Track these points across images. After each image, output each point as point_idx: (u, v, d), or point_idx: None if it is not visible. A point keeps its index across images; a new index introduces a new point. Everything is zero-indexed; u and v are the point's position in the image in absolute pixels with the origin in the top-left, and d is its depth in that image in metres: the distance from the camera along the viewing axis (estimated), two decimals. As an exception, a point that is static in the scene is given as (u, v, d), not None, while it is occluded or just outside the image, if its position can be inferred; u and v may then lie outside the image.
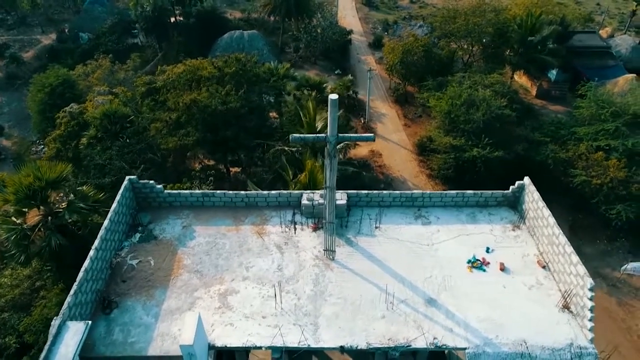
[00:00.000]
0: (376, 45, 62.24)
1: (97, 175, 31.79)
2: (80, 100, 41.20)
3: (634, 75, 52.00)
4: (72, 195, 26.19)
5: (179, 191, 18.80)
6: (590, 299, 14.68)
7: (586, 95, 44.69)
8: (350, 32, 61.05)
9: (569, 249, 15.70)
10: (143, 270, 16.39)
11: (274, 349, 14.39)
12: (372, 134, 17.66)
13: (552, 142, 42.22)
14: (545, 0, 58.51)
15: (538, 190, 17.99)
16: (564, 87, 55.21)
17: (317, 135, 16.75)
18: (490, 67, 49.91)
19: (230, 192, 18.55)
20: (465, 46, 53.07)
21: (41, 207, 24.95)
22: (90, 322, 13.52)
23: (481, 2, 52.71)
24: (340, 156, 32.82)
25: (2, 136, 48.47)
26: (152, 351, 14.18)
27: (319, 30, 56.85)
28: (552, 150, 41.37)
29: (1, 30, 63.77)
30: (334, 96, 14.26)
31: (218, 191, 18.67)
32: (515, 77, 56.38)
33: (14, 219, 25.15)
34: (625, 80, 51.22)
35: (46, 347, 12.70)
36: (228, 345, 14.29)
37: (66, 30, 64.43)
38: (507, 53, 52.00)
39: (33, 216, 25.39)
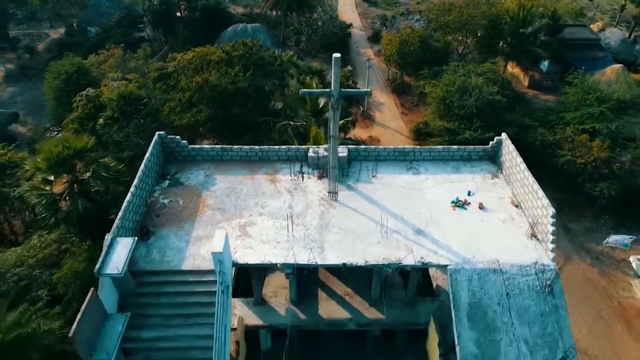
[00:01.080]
0: (375, 39, 65.64)
1: (115, 151, 34.84)
2: (94, 86, 44.36)
3: (621, 65, 55.37)
4: (95, 165, 29.33)
5: (201, 146, 22.04)
6: (552, 225, 17.89)
7: (574, 82, 48.04)
8: (350, 25, 64.50)
9: (536, 186, 18.93)
10: (173, 208, 19.59)
11: (287, 265, 17.55)
12: (369, 89, 20.84)
13: (541, 126, 45.50)
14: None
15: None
16: (555, 78, 58.43)
17: (323, 90, 19.95)
18: (484, 58, 53.24)
19: (246, 146, 21.82)
20: (460, 38, 56.43)
21: (68, 175, 28.03)
22: (136, 238, 16.69)
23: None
24: (341, 134, 36.00)
25: (17, 123, 51.60)
26: (185, 267, 17.36)
27: (319, 23, 60.26)
28: (540, 133, 44.59)
29: (11, 25, 67.00)
30: (337, 55, 17.53)
31: (235, 146, 21.91)
32: (509, 68, 59.60)
33: (42, 186, 28.32)
34: (612, 70, 54.64)
35: (101, 256, 15.86)
36: (248, 262, 17.47)
37: (74, 25, 67.79)
38: (500, 45, 55.28)
39: (59, 185, 28.53)
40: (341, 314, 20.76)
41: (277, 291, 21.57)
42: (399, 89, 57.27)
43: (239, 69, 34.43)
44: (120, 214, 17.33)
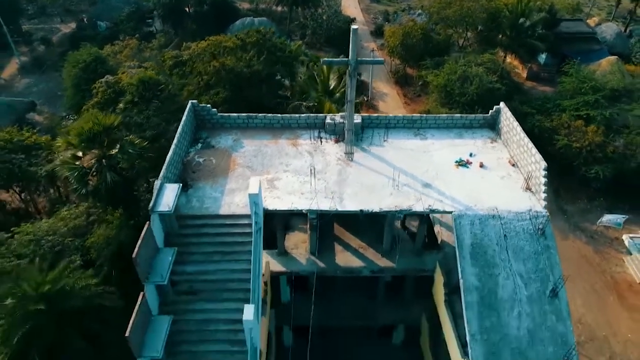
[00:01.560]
0: (377, 33, 68.58)
1: (137, 131, 37.51)
2: (112, 74, 47.04)
3: (616, 57, 58.37)
4: (121, 141, 32.03)
5: (229, 114, 24.77)
6: (545, 177, 20.67)
7: (570, 72, 51.02)
8: (354, 19, 67.41)
9: (531, 145, 21.72)
10: (207, 166, 22.32)
11: (311, 211, 20.27)
12: (382, 59, 23.61)
13: (538, 113, 48.44)
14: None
15: None
16: (552, 70, 61.36)
17: (342, 59, 22.69)
18: (484, 49, 56.15)
19: (269, 114, 24.58)
20: (460, 31, 59.38)
21: (97, 151, 30.72)
22: (181, 184, 19.42)
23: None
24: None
25: (35, 112, 54.26)
26: (221, 212, 20.09)
27: (324, 17, 63.16)
28: (538, 120, 47.51)
29: (23, 20, 69.72)
30: (355, 26, 20.31)
31: (259, 114, 24.69)
32: (508, 60, 62.52)
33: (72, 161, 31.11)
34: (607, 61, 57.65)
35: (153, 197, 18.56)
36: (277, 208, 20.21)
37: (85, 19, 70.61)
38: (499, 37, 58.16)
39: (86, 161, 31.28)
40: (356, 263, 23.48)
41: (297, 245, 24.28)
42: (402, 80, 60.12)
43: (253, 54, 37.24)
44: (164, 167, 20.04)
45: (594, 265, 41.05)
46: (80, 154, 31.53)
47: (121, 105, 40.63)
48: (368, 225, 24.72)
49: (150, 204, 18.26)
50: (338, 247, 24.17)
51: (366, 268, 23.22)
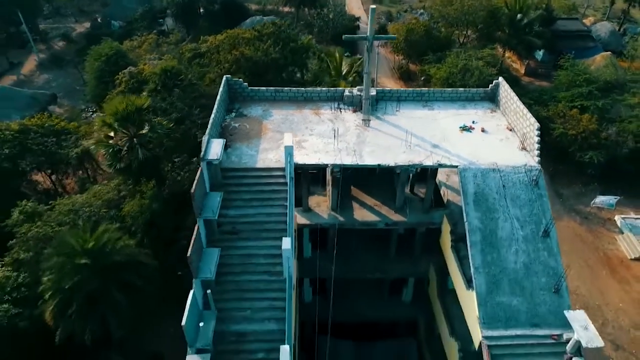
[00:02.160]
0: (381, 32, 72.37)
1: (163, 115, 41.13)
2: (132, 66, 50.69)
3: (610, 52, 62.36)
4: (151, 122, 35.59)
5: (258, 88, 28.39)
6: (538, 136, 24.28)
7: (565, 65, 54.96)
8: (359, 18, 71.43)
9: (526, 110, 25.36)
10: (242, 130, 25.92)
11: (335, 165, 23.82)
12: (394, 35, 27.26)
13: (535, 104, 52.23)
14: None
15: None
16: (549, 66, 65.33)
17: (361, 35, 26.38)
18: (483, 45, 60.08)
19: (294, 88, 28.22)
20: (461, 28, 63.35)
21: (129, 130, 34.29)
22: (225, 140, 22.98)
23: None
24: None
25: (55, 104, 57.85)
26: (258, 165, 23.64)
27: (330, 16, 67.16)
28: (535, 110, 51.14)
29: (39, 19, 73.57)
30: (373, 6, 24.05)
31: (285, 88, 28.33)
32: (507, 57, 66.46)
33: (106, 140, 34.77)
34: (602, 57, 61.66)
35: (203, 148, 22.10)
36: (306, 163, 23.77)
37: (99, 19, 74.50)
38: (498, 34, 62.03)
39: (118, 139, 34.88)
40: (372, 217, 26.98)
41: (319, 204, 27.79)
42: (405, 75, 63.90)
43: (270, 44, 40.99)
44: (208, 127, 23.61)
45: (587, 243, 44.61)
46: (112, 134, 35.25)
47: (145, 93, 44.26)
48: (381, 186, 28.27)
49: (201, 154, 21.79)
50: (355, 205, 27.69)
51: (381, 221, 26.71)
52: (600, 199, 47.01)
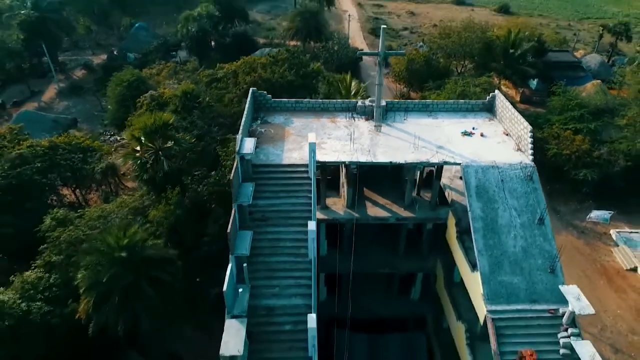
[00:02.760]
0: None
1: (185, 132, 44.68)
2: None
3: (600, 81, 66.84)
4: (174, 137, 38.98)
5: (280, 99, 31.97)
6: (531, 138, 27.67)
7: (557, 91, 59.19)
8: (361, 50, 76.11)
9: (520, 117, 28.87)
10: (268, 134, 29.32)
11: (352, 163, 27.08)
12: (403, 51, 30.97)
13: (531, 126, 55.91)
14: (524, 22, 74.44)
15: None
16: (543, 94, 69.62)
17: (373, 51, 30.09)
18: (480, 74, 64.43)
19: (312, 100, 31.78)
20: (458, 58, 67.93)
21: (155, 143, 37.70)
22: (256, 138, 26.31)
23: (470, 21, 68.13)
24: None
25: (76, 128, 61.53)
26: (284, 162, 26.91)
27: (335, 48, 71.86)
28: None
29: (58, 52, 78.23)
30: (384, 26, 27.83)
31: (304, 100, 31.92)
32: (503, 87, 70.86)
33: (133, 153, 38.16)
34: (592, 85, 66.12)
35: (237, 144, 25.40)
36: (327, 161, 27.03)
37: (115, 52, 79.22)
38: (494, 64, 66.40)
39: (143, 152, 38.25)
40: (384, 214, 30.03)
41: (335, 203, 30.89)
42: (407, 102, 67.79)
43: (285, 68, 44.99)
44: (240, 129, 26.99)
45: (585, 255, 47.47)
46: (138, 148, 38.68)
47: (166, 114, 47.93)
48: (391, 187, 31.48)
49: (237, 149, 25.08)
50: (368, 203, 30.77)
51: (392, 217, 29.76)
52: (595, 214, 50.02)
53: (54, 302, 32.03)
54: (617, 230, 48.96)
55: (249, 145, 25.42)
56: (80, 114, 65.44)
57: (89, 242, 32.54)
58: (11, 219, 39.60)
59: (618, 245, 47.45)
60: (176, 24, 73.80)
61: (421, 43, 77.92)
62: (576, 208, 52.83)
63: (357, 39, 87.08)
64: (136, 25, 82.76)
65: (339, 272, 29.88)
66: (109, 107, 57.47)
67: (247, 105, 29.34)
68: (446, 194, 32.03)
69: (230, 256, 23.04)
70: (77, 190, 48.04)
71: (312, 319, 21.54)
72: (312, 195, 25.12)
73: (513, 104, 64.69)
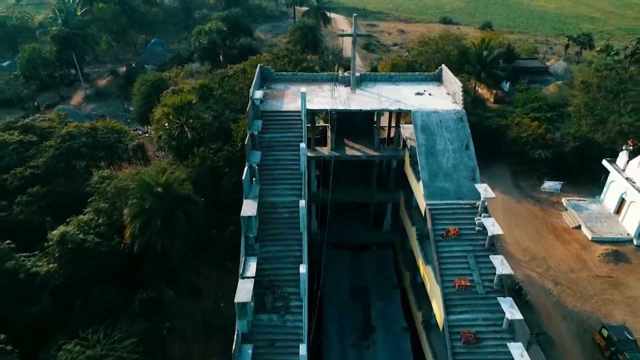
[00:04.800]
0: (374, 71, 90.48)
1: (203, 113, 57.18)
2: (173, 89, 67.55)
3: (561, 81, 79.91)
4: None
5: (280, 72, 44.82)
6: (462, 93, 40.22)
7: (521, 88, 72.29)
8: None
9: (456, 79, 41.52)
10: (271, 94, 42.26)
11: (332, 110, 39.67)
12: (372, 35, 44.01)
13: (497, 116, 68.87)
14: (496, 34, 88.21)
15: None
16: (513, 95, 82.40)
17: (349, 33, 42.96)
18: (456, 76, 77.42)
19: (304, 72, 44.60)
20: (437, 63, 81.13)
21: (181, 119, 50.42)
22: (263, 92, 38.99)
23: (446, 32, 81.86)
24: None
25: (104, 123, 74.35)
26: (283, 109, 39.55)
27: (330, 58, 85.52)
28: (496, 120, 67.82)
29: (83, 64, 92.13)
30: (355, 14, 40.89)
31: (298, 72, 44.74)
32: (478, 89, 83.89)
33: (163, 127, 50.77)
34: (554, 85, 79.21)
35: (251, 90, 38.03)
36: (314, 109, 39.61)
37: (133, 64, 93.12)
38: (469, 68, 79.35)
39: (171, 126, 50.95)
40: (358, 153, 42.45)
41: (322, 149, 43.38)
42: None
43: (285, 62, 58.17)
44: (251, 88, 39.65)
45: (539, 218, 59.37)
46: (166, 124, 51.44)
47: (189, 95, 60.46)
48: (364, 137, 43.98)
49: (250, 94, 37.74)
50: (347, 148, 43.35)
51: (364, 155, 42.24)
52: (548, 184, 62.28)
53: (102, 236, 43.52)
54: (568, 198, 60.82)
55: (258, 94, 38.19)
56: (106, 114, 78.36)
57: (135, 181, 44.40)
58: (64, 181, 51.81)
59: (567, 210, 59.11)
60: (189, 38, 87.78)
61: (407, 53, 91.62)
62: (535, 183, 64.90)
63: (349, 50, 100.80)
64: (152, 41, 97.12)
65: (326, 202, 41.90)
66: (135, 102, 70.17)
67: (256, 76, 42.22)
68: (407, 143, 44.44)
69: (246, 163, 35.21)
70: (112, 166, 60.41)
71: (302, 205, 33.55)
72: (303, 131, 37.57)
73: (483, 100, 78.11)
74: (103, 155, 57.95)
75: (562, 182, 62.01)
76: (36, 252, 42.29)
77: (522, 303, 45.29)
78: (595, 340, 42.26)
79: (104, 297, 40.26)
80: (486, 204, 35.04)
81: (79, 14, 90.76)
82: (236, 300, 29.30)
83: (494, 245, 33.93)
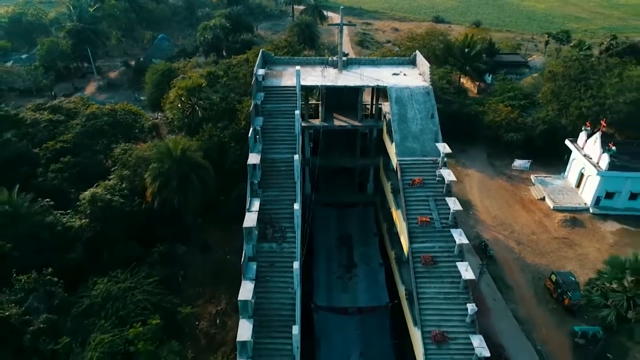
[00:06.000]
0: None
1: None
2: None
3: (538, 73, 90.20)
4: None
5: (279, 56, 54.94)
6: (429, 73, 50.32)
7: (498, 78, 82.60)
8: (347, 54, 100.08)
9: (426, 62, 51.62)
10: (272, 74, 52.44)
11: (322, 85, 49.79)
12: (355, 24, 54.38)
13: (475, 104, 79.11)
14: (482, 31, 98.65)
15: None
16: (494, 87, 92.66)
17: (336, 23, 53.16)
18: (440, 66, 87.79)
19: (299, 57, 54.71)
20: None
21: (192, 99, 60.63)
22: (265, 71, 49.09)
23: (432, 28, 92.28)
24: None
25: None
26: (281, 85, 49.68)
27: (326, 52, 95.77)
28: (474, 107, 78.07)
29: (95, 58, 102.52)
30: (342, 7, 51.05)
31: (295, 57, 54.89)
32: (463, 81, 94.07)
33: (176, 106, 60.88)
34: (531, 77, 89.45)
35: (254, 70, 48.11)
36: (307, 84, 49.72)
37: (141, 59, 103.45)
38: (453, 61, 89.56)
39: (183, 106, 61.12)
40: (344, 124, 52.57)
41: (315, 121, 53.46)
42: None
43: (284, 52, 68.40)
44: (255, 67, 49.72)
45: (509, 192, 69.35)
46: (179, 105, 61.58)
47: (199, 79, 70.60)
48: (350, 111, 54.10)
49: (254, 71, 47.83)
50: (335, 120, 53.45)
51: (349, 125, 52.40)
52: (518, 163, 72.33)
53: (125, 198, 53.24)
54: (535, 175, 70.76)
55: (261, 71, 48.44)
56: (118, 102, 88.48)
57: (154, 150, 54.25)
58: (89, 154, 61.81)
59: (534, 185, 69.01)
60: (194, 34, 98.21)
61: (397, 48, 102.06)
62: (508, 162, 74.92)
63: (346, 46, 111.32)
64: (159, 36, 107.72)
65: (316, 167, 51.89)
66: (147, 89, 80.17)
67: (258, 59, 52.35)
68: (386, 117, 54.52)
69: (252, 125, 45.20)
70: (130, 142, 70.36)
71: (296, 158, 43.50)
72: (298, 102, 47.66)
73: (465, 90, 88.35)
74: (122, 133, 67.91)
75: (530, 160, 71.97)
76: (69, 211, 51.77)
77: (487, 257, 55.18)
78: (546, 286, 51.76)
79: (128, 250, 49.38)
80: (445, 159, 45.01)
81: (92, 10, 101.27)
82: (244, 225, 39.14)
83: (450, 191, 43.87)
